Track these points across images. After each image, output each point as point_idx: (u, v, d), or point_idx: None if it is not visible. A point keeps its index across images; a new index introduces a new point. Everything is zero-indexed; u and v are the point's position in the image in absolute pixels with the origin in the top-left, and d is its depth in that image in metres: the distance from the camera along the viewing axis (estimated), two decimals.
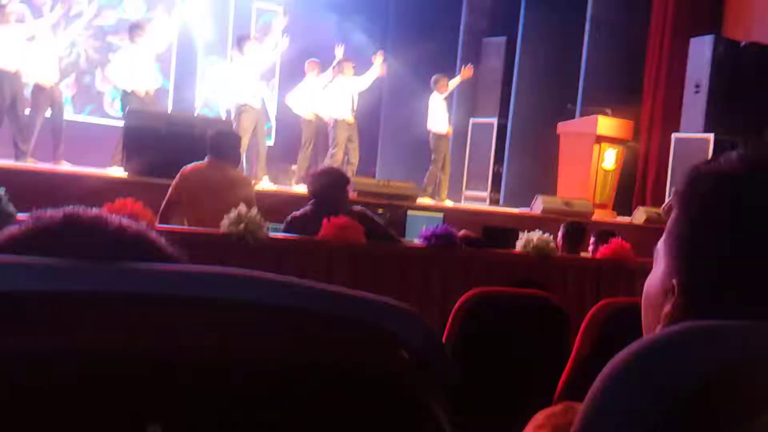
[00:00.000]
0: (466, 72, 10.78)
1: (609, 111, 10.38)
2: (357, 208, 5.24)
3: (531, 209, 9.24)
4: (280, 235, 4.73)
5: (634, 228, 8.73)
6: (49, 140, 9.42)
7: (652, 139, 10.55)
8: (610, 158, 10.30)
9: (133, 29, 9.44)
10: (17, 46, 8.98)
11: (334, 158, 10.05)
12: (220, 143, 5.49)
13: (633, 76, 10.67)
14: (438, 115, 10.49)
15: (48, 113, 9.42)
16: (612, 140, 10.37)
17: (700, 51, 9.94)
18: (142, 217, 4.24)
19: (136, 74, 9.16)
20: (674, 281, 0.96)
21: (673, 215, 0.99)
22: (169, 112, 9.71)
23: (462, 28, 12.02)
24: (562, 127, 10.50)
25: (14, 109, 9.00)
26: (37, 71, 9.26)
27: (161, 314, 0.66)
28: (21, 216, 3.91)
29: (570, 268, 5.63)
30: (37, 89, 9.36)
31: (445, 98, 10.63)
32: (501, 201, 11.51)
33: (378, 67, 10.37)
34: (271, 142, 13.01)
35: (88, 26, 11.53)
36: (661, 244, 1.01)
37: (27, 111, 9.26)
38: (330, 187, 4.97)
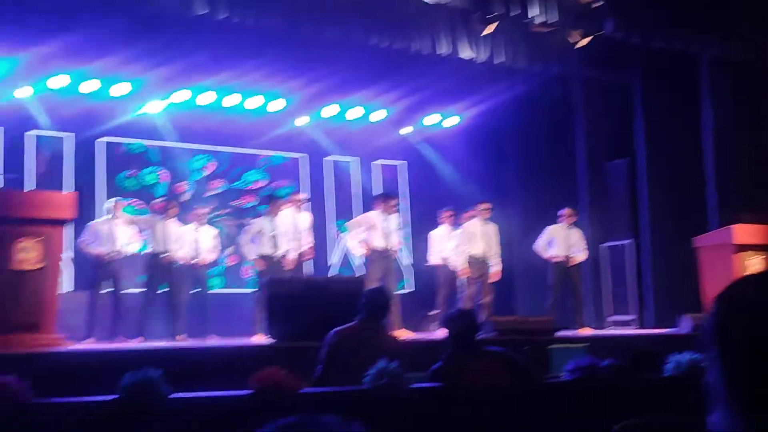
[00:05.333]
0: None
1: (747, 217, 10.07)
2: (496, 348, 5.23)
3: (679, 329, 8.94)
4: (422, 386, 4.75)
5: None
6: (197, 317, 9.91)
7: None
8: (755, 266, 9.92)
9: (271, 201, 9.98)
10: (169, 234, 9.68)
11: (465, 299, 10.15)
12: (374, 303, 5.64)
13: (766, 177, 10.39)
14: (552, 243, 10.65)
15: (193, 291, 9.98)
16: (754, 247, 10.01)
17: None
18: (288, 383, 4.36)
19: (269, 243, 9.65)
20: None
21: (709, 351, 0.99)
22: (305, 276, 10.08)
23: (580, 155, 12.08)
24: (699, 240, 10.23)
25: (168, 291, 9.57)
26: (183, 252, 9.88)
27: None
28: (176, 395, 4.10)
29: None
30: (184, 269, 9.94)
31: (567, 226, 10.66)
32: (647, 322, 11.19)
33: None
34: (407, 290, 13.21)
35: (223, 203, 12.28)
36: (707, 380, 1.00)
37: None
38: (464, 330, 5.02)
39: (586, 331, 10.14)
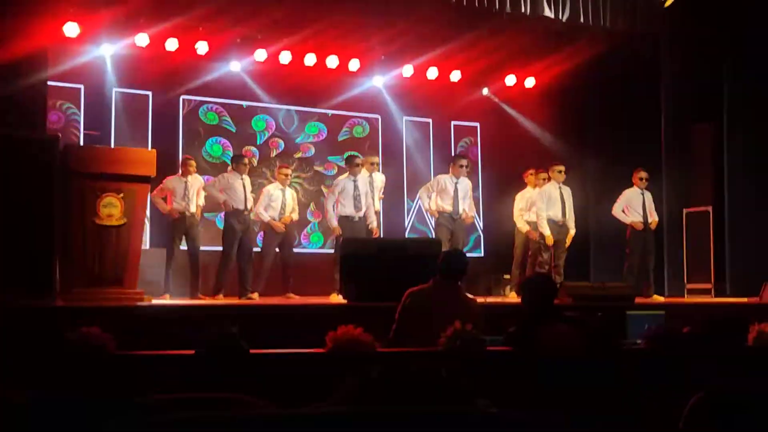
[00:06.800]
0: None
1: None
2: (570, 314, 5.18)
3: (761, 298, 8.73)
4: (497, 349, 4.73)
5: None
6: (278, 275, 10.00)
7: None
8: None
9: (350, 161, 9.98)
10: (248, 191, 9.76)
11: (540, 263, 10.03)
12: (451, 263, 5.64)
13: None
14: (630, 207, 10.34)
15: (277, 250, 10.04)
16: None
17: None
18: (364, 342, 4.40)
19: (350, 203, 9.67)
20: None
21: None
22: (381, 237, 10.10)
23: (663, 117, 11.71)
24: None
25: (243, 248, 9.66)
26: (268, 211, 9.92)
27: None
28: (253, 351, 4.17)
29: None
30: (268, 229, 10.00)
31: (641, 190, 10.39)
32: (727, 291, 10.93)
33: None
34: (481, 254, 13.17)
35: (297, 163, 12.35)
36: None
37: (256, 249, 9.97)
38: (538, 296, 4.98)
39: (662, 299, 9.97)
